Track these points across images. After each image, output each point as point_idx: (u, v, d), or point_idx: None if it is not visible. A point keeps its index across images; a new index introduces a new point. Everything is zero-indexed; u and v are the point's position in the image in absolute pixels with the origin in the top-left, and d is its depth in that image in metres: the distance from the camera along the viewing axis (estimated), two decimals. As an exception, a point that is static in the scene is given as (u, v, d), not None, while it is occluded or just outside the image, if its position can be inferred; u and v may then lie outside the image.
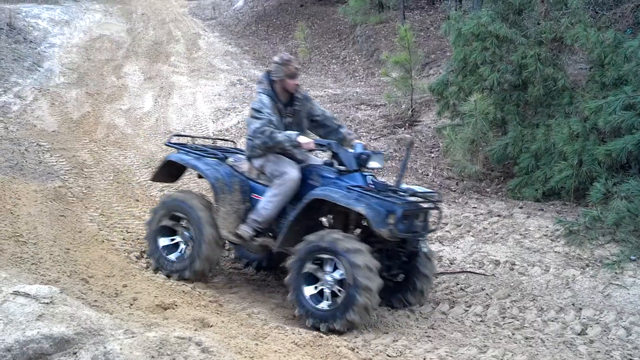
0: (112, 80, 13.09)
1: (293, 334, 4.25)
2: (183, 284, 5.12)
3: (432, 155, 8.60)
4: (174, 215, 5.36)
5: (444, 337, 4.59)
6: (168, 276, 5.26)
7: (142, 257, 5.65)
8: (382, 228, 4.59)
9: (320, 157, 5.42)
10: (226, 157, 5.42)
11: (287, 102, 5.24)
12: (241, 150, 5.78)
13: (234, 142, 6.52)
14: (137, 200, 7.25)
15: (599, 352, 4.40)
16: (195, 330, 3.86)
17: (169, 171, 5.69)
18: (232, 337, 3.80)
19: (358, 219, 5.05)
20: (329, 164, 5.10)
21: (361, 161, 5.02)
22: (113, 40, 16.22)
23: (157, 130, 10.39)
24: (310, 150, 5.09)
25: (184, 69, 14.33)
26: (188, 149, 5.52)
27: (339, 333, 4.47)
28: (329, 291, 4.67)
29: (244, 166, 5.30)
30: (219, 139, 6.91)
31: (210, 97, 12.17)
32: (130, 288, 4.82)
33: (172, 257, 5.36)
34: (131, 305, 4.45)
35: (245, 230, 5.09)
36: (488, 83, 7.61)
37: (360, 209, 4.62)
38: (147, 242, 5.53)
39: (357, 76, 13.89)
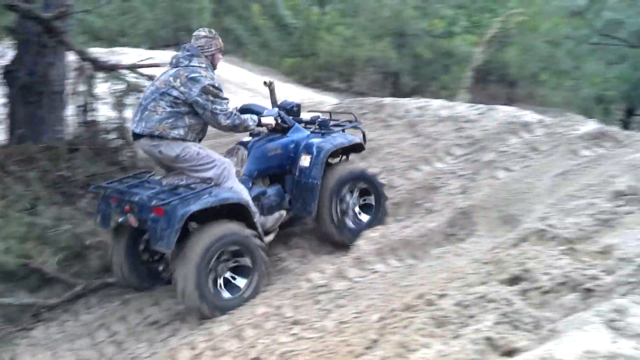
0: None
1: None
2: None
3: None
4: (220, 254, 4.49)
5: None
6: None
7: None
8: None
9: None
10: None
11: None
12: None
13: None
14: None
15: None
16: None
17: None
18: None
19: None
20: (256, 135, 5.22)
21: (294, 113, 5.36)
22: None
23: None
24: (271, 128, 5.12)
25: None
26: (176, 194, 4.42)
27: None
28: (358, 210, 5.40)
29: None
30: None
31: None
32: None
33: (239, 283, 4.63)
34: None
35: (272, 225, 5.05)
36: None
37: (358, 140, 5.41)
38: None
39: None
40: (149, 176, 5.05)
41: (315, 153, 5.10)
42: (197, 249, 4.32)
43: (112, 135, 6.73)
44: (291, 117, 5.28)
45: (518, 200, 4.80)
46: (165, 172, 4.90)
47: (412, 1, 22.92)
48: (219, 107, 4.59)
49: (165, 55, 8.83)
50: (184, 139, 4.62)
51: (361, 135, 5.58)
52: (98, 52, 6.92)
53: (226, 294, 4.54)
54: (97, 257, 5.31)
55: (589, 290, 2.56)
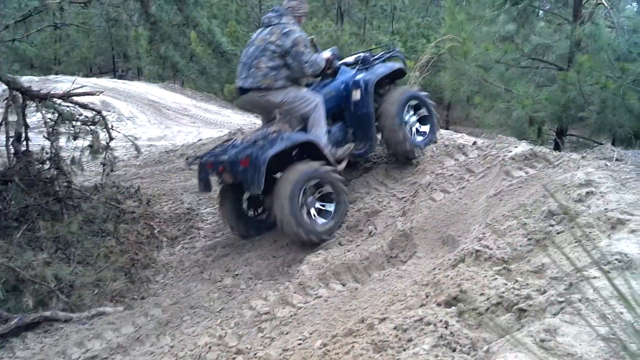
0: None
1: None
2: None
3: None
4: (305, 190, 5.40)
5: None
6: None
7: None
8: None
9: None
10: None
11: None
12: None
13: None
14: None
15: None
16: None
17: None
18: None
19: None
20: (310, 84, 6.22)
21: (338, 58, 6.28)
22: None
23: None
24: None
25: None
26: (256, 146, 5.39)
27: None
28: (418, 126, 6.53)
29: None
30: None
31: None
32: None
33: (329, 208, 5.66)
34: None
35: (342, 154, 6.00)
36: None
37: (398, 66, 6.52)
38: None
39: None
40: (232, 141, 5.94)
41: (363, 86, 6.06)
42: (286, 191, 5.26)
43: (46, 165, 6.58)
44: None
45: (456, 221, 4.91)
46: (266, 120, 5.91)
47: (349, 27, 23.39)
48: (304, 57, 5.51)
49: (102, 82, 8.68)
50: (285, 87, 5.58)
51: (401, 62, 6.71)
52: (31, 80, 6.74)
53: (321, 220, 5.57)
54: (34, 291, 5.15)
55: (522, 310, 2.63)
